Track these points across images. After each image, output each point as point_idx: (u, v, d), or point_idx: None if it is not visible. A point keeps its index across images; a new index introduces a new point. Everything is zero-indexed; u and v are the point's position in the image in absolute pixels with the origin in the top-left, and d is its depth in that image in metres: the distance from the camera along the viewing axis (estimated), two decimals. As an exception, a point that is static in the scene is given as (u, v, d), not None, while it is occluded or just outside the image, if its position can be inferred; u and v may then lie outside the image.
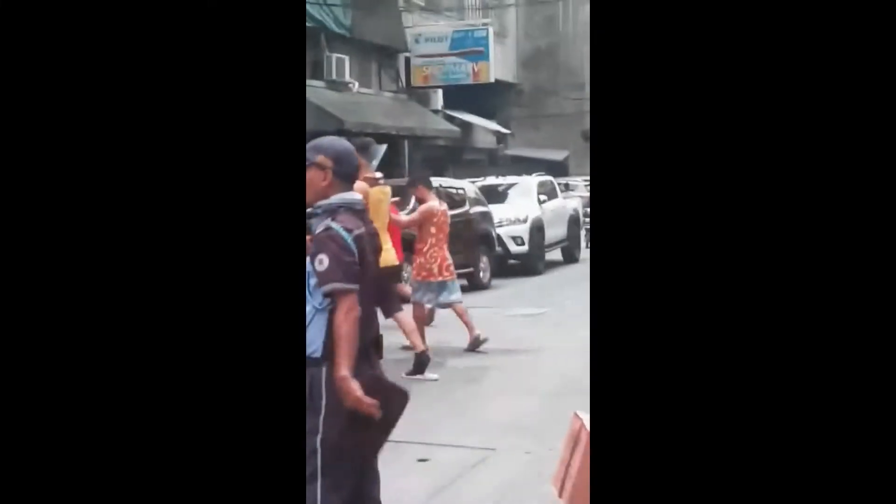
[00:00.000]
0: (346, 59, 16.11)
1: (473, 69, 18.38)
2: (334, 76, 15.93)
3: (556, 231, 14.74)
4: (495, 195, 14.15)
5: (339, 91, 15.99)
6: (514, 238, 13.59)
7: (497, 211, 13.30)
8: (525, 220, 13.73)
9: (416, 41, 18.51)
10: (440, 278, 7.47)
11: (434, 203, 7.60)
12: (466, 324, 7.62)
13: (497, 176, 16.06)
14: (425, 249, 7.49)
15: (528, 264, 13.52)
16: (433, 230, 7.48)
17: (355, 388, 2.69)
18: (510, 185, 14.95)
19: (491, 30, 18.86)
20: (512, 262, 13.60)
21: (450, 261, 7.58)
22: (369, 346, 2.90)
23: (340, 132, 14.26)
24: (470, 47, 18.42)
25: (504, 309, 9.99)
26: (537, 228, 13.70)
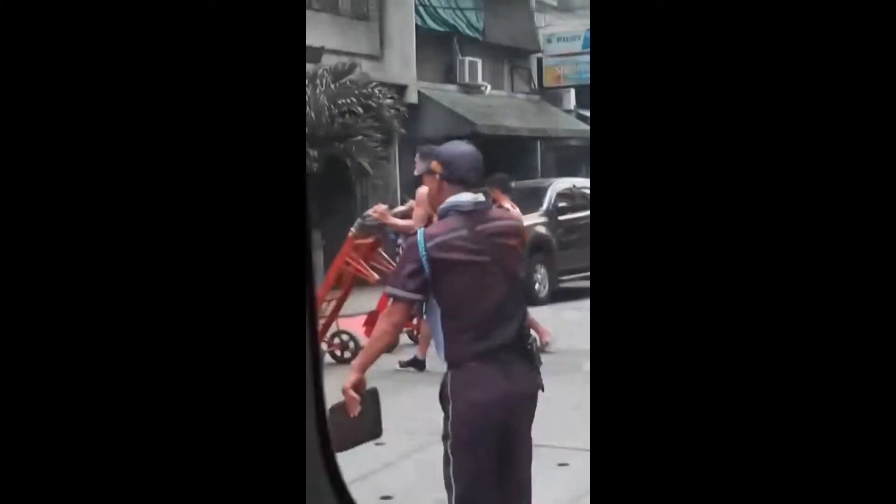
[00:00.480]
0: (479, 61, 16.19)
1: (607, 67, 18.11)
2: (467, 79, 16.03)
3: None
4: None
5: (471, 94, 16.08)
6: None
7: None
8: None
9: (549, 41, 18.42)
10: None
11: (506, 206, 7.83)
12: (534, 327, 7.73)
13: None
14: None
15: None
16: None
17: (349, 379, 2.78)
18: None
19: (624, 27, 18.57)
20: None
21: None
22: (499, 351, 2.80)
23: (473, 135, 14.37)
24: (603, 45, 18.17)
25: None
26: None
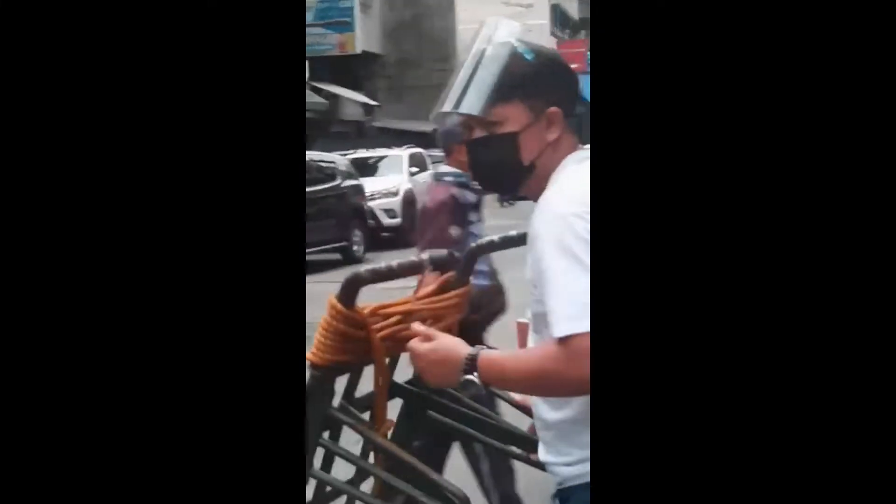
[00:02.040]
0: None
1: (339, 40, 18.18)
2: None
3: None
4: (366, 168, 14.10)
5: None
6: (386, 211, 13.58)
7: (368, 184, 13.26)
8: (397, 193, 13.73)
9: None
10: None
11: None
12: None
13: (367, 149, 15.98)
14: None
15: (402, 236, 13.54)
16: None
17: None
18: (380, 158, 14.91)
19: (356, 0, 18.68)
20: (385, 234, 13.59)
21: None
22: None
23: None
24: (335, 18, 18.21)
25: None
26: (409, 201, 13.72)
